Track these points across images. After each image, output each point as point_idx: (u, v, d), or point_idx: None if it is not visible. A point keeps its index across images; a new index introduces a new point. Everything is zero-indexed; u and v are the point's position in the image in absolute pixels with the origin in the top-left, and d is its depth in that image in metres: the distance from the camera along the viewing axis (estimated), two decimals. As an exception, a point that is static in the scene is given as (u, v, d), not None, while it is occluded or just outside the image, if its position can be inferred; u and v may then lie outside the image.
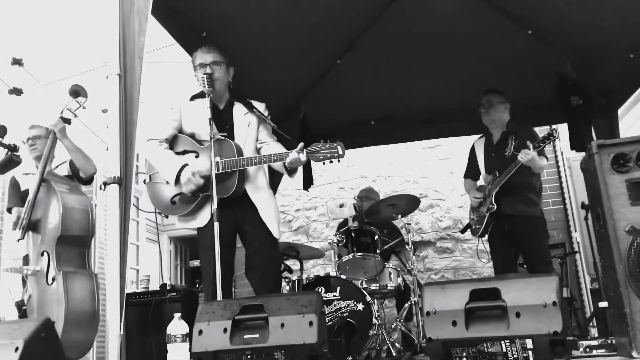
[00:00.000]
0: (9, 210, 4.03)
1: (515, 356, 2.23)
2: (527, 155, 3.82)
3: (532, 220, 4.12)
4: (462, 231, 4.88)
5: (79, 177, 3.96)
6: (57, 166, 4.05)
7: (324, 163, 3.24)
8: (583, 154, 3.80)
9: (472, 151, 4.56)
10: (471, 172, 4.58)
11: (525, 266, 4.37)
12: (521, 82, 4.76)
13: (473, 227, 4.42)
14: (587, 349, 2.68)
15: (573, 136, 4.87)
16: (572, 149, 4.99)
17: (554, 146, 6.36)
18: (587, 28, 4.23)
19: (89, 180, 3.98)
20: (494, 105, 4.29)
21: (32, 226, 3.71)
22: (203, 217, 3.31)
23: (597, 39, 4.30)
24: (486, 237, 4.34)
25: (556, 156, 6.38)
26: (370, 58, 4.75)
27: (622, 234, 2.37)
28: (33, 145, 4.05)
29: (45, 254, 3.57)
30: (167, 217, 3.59)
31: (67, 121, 3.82)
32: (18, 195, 4.06)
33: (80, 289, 3.51)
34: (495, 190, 4.09)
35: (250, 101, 3.55)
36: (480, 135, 4.54)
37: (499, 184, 4.06)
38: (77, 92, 3.77)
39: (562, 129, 5.12)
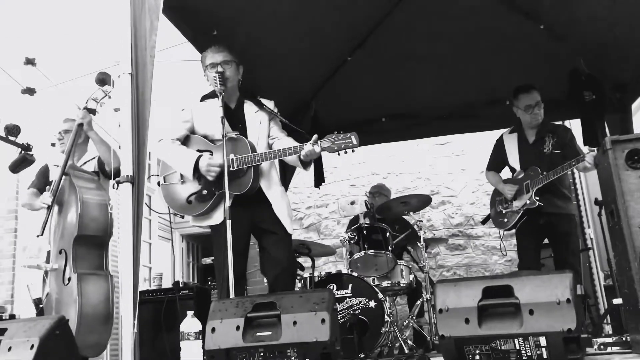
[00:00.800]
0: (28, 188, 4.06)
1: (529, 354, 2.21)
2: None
3: (568, 217, 4.12)
4: (483, 222, 4.78)
5: (104, 172, 3.93)
6: (85, 162, 4.04)
7: (338, 154, 3.25)
8: (596, 149, 3.77)
9: (501, 144, 4.44)
10: (495, 164, 4.50)
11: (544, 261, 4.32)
12: (533, 78, 4.69)
13: (500, 219, 4.32)
14: (602, 347, 2.66)
15: (586, 132, 4.83)
16: (585, 144, 4.93)
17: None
18: (599, 23, 4.19)
19: (115, 175, 3.95)
20: (540, 104, 4.18)
21: (53, 220, 3.71)
22: (219, 215, 3.32)
23: (609, 33, 4.26)
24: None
25: (569, 152, 6.32)
26: (380, 55, 4.75)
27: (637, 231, 2.35)
28: (61, 139, 4.07)
29: (63, 252, 3.57)
30: (182, 217, 3.60)
31: (92, 112, 3.77)
32: (42, 183, 4.09)
33: (94, 292, 3.47)
34: (538, 187, 4.02)
35: (260, 99, 3.56)
36: (510, 129, 4.41)
37: (544, 181, 3.99)
38: (103, 80, 3.68)
39: (575, 125, 5.08)
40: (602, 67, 4.61)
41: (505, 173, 4.49)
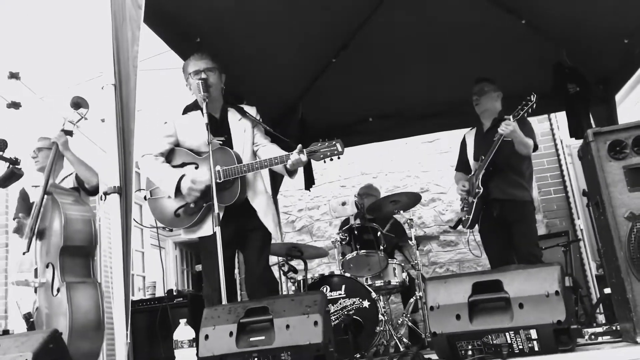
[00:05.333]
0: (15, 219, 4.08)
1: (521, 347, 2.24)
2: (507, 126, 3.74)
3: (522, 204, 4.03)
4: (454, 227, 4.71)
5: (85, 189, 3.99)
6: (63, 178, 4.08)
7: (324, 161, 3.26)
8: (511, 117, 3.85)
9: (463, 143, 4.46)
10: (462, 165, 4.48)
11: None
12: (518, 72, 4.76)
13: (463, 219, 4.30)
14: (592, 337, 2.68)
15: (572, 123, 4.87)
16: (571, 136, 4.98)
17: (553, 134, 6.36)
18: (580, 15, 4.23)
19: (94, 191, 4.00)
20: (486, 93, 4.23)
21: (38, 237, 3.73)
22: (209, 226, 3.27)
23: (591, 25, 4.30)
24: (477, 227, 4.25)
25: (556, 144, 6.38)
26: (365, 55, 4.76)
27: (622, 221, 2.37)
28: (35, 157, 4.13)
29: (50, 265, 3.60)
30: (171, 230, 3.62)
31: (69, 133, 3.87)
32: (26, 207, 4.11)
33: (84, 300, 3.52)
34: (482, 173, 4.00)
35: (242, 106, 3.57)
36: (471, 127, 4.45)
37: (484, 166, 3.99)
38: (78, 103, 3.81)
39: (561, 117, 5.12)
40: (584, 59, 4.65)
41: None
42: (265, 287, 3.37)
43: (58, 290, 3.51)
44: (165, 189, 3.36)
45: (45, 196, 3.74)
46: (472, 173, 4.24)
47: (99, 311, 3.56)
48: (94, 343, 3.51)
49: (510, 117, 3.77)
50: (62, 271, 3.55)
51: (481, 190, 4.01)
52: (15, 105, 4.79)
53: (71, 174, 4.07)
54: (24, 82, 4.81)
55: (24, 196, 4.18)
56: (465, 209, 4.27)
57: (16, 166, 3.94)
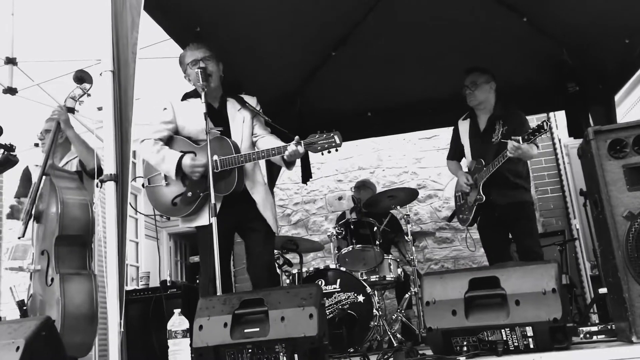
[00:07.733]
0: (16, 199, 4.02)
1: (516, 344, 2.23)
2: (516, 150, 3.68)
3: (523, 205, 4.04)
4: (449, 219, 4.75)
5: (87, 172, 3.89)
6: (68, 161, 4.00)
7: (322, 153, 3.24)
8: (581, 140, 3.79)
9: (456, 132, 4.41)
10: (455, 153, 4.45)
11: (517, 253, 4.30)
12: (518, 70, 4.75)
13: (461, 216, 4.31)
14: (587, 335, 2.68)
15: (571, 123, 4.87)
16: (570, 135, 4.98)
17: (552, 133, 6.36)
18: (582, 14, 4.21)
19: (94, 174, 3.90)
20: (480, 86, 4.14)
21: (36, 220, 3.64)
22: (207, 216, 3.25)
23: (592, 25, 4.29)
24: (475, 225, 4.25)
25: (554, 143, 6.38)
26: (365, 49, 4.74)
27: (620, 220, 2.36)
28: (43, 139, 4.02)
29: (45, 253, 3.52)
30: (168, 219, 3.59)
31: (71, 110, 3.72)
32: (27, 187, 4.02)
33: (77, 292, 3.41)
34: (483, 181, 4.00)
35: (242, 96, 3.55)
36: (464, 116, 4.37)
37: (486, 175, 3.97)
38: (81, 78, 3.65)
39: (560, 116, 5.12)
40: (584, 58, 4.64)
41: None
42: (270, 277, 3.36)
43: (52, 280, 3.43)
44: (166, 170, 3.35)
45: (44, 177, 3.63)
46: (470, 168, 4.23)
47: (92, 304, 3.45)
48: (86, 336, 3.43)
49: (520, 138, 3.67)
50: (57, 261, 3.44)
51: (483, 199, 4.01)
52: (11, 91, 4.75)
53: (76, 156, 3.99)
54: (21, 68, 4.77)
55: (26, 175, 4.09)
56: (463, 207, 4.27)
57: (11, 153, 3.88)
